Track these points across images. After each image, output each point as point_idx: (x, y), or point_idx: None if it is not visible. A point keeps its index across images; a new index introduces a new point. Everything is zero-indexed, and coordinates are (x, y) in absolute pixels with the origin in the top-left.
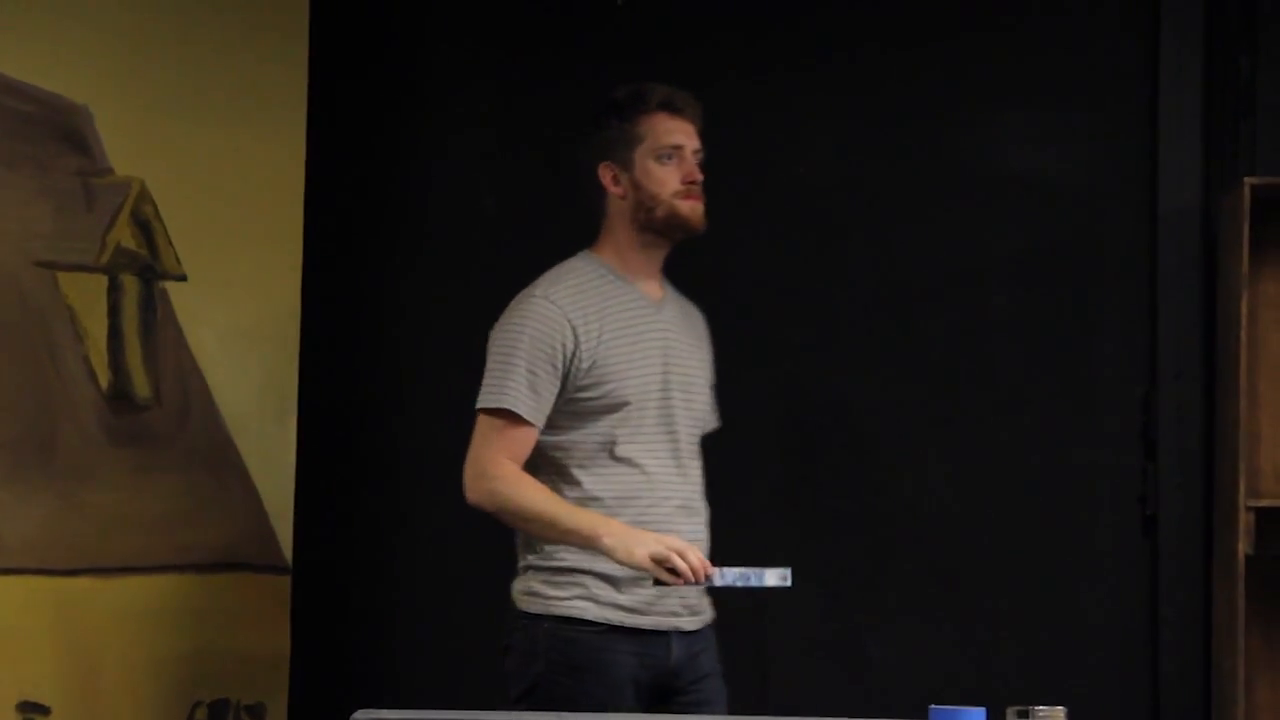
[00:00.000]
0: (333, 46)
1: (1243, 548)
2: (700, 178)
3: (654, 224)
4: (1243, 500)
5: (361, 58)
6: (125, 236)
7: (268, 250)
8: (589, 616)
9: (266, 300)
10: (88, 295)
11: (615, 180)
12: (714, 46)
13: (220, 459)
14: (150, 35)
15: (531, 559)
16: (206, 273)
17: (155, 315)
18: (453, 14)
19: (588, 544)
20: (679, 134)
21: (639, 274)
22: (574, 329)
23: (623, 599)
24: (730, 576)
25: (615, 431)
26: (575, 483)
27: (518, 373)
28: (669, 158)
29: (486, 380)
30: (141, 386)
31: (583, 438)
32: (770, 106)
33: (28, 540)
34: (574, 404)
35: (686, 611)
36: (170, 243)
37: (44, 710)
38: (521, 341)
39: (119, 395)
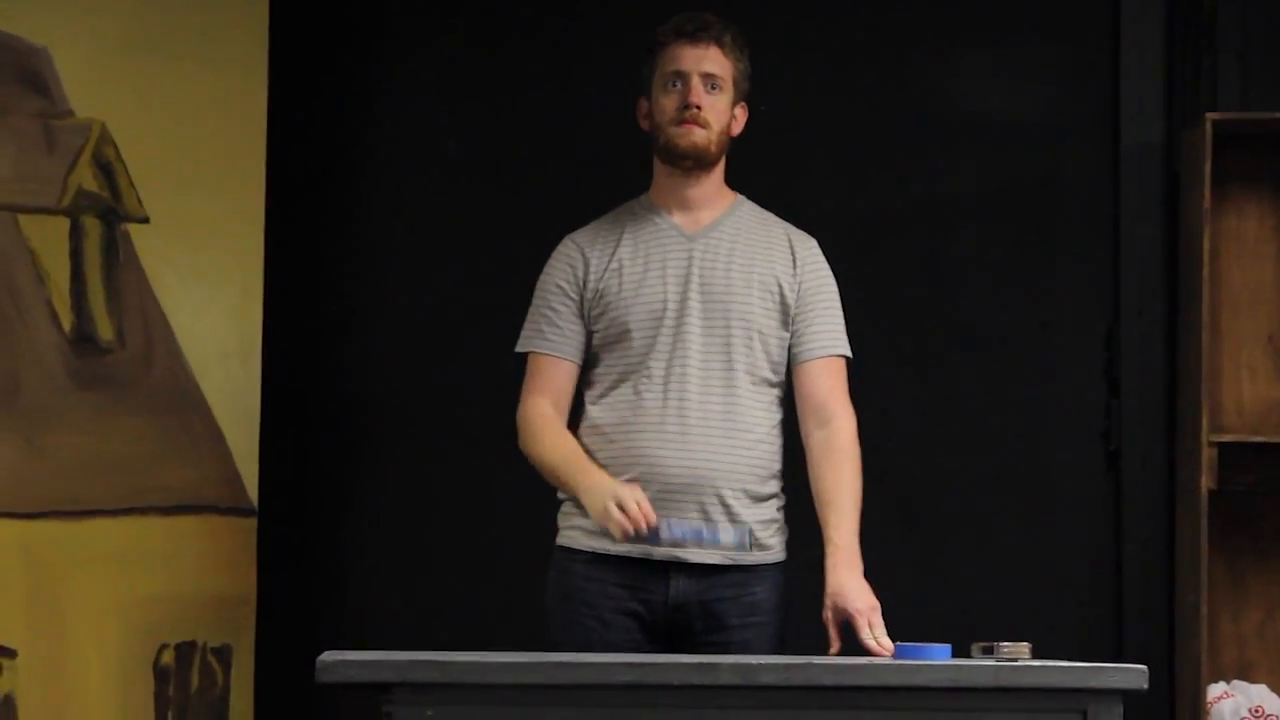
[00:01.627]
0: None
1: (1205, 482)
2: (695, 101)
3: (665, 153)
4: (1205, 435)
5: None
6: (86, 179)
7: (230, 192)
8: (578, 545)
9: (229, 242)
10: (49, 238)
11: (645, 115)
12: None
13: (184, 401)
14: None
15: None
16: (169, 215)
17: (118, 258)
18: None
19: (574, 496)
20: (686, 60)
21: (674, 205)
22: (585, 259)
23: None
24: (680, 531)
25: (624, 360)
26: (586, 416)
27: (537, 312)
28: (673, 85)
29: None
30: (105, 329)
31: (603, 370)
32: None
33: None
34: (594, 337)
35: (699, 510)
36: (132, 185)
37: (10, 654)
38: (544, 282)
39: (82, 338)
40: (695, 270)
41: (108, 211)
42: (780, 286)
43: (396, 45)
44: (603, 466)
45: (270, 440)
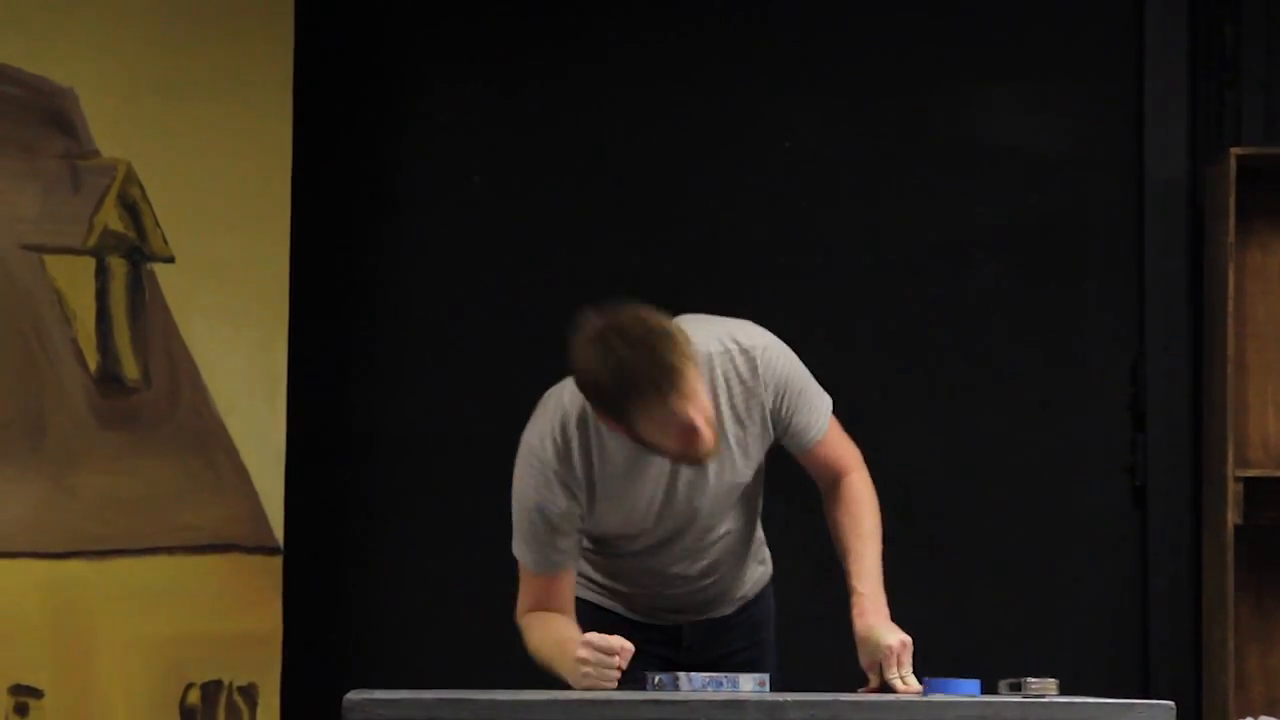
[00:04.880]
0: (319, 25)
1: (1231, 518)
2: (692, 428)
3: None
4: (1231, 470)
5: (348, 37)
6: (112, 219)
7: (256, 231)
8: (588, 598)
9: (255, 281)
10: (75, 278)
11: (613, 426)
12: (700, 22)
13: (210, 440)
14: (135, 17)
15: None
16: (194, 254)
17: (143, 297)
18: None
19: (563, 678)
20: (667, 404)
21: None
22: (567, 490)
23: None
24: (700, 682)
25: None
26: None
27: (521, 529)
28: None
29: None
30: (130, 368)
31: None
32: (755, 81)
33: (19, 523)
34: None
35: (694, 611)
36: (158, 224)
37: (37, 693)
38: (523, 499)
39: (108, 378)
40: (655, 480)
41: (133, 251)
42: (745, 439)
43: (420, 84)
44: None
45: (295, 478)
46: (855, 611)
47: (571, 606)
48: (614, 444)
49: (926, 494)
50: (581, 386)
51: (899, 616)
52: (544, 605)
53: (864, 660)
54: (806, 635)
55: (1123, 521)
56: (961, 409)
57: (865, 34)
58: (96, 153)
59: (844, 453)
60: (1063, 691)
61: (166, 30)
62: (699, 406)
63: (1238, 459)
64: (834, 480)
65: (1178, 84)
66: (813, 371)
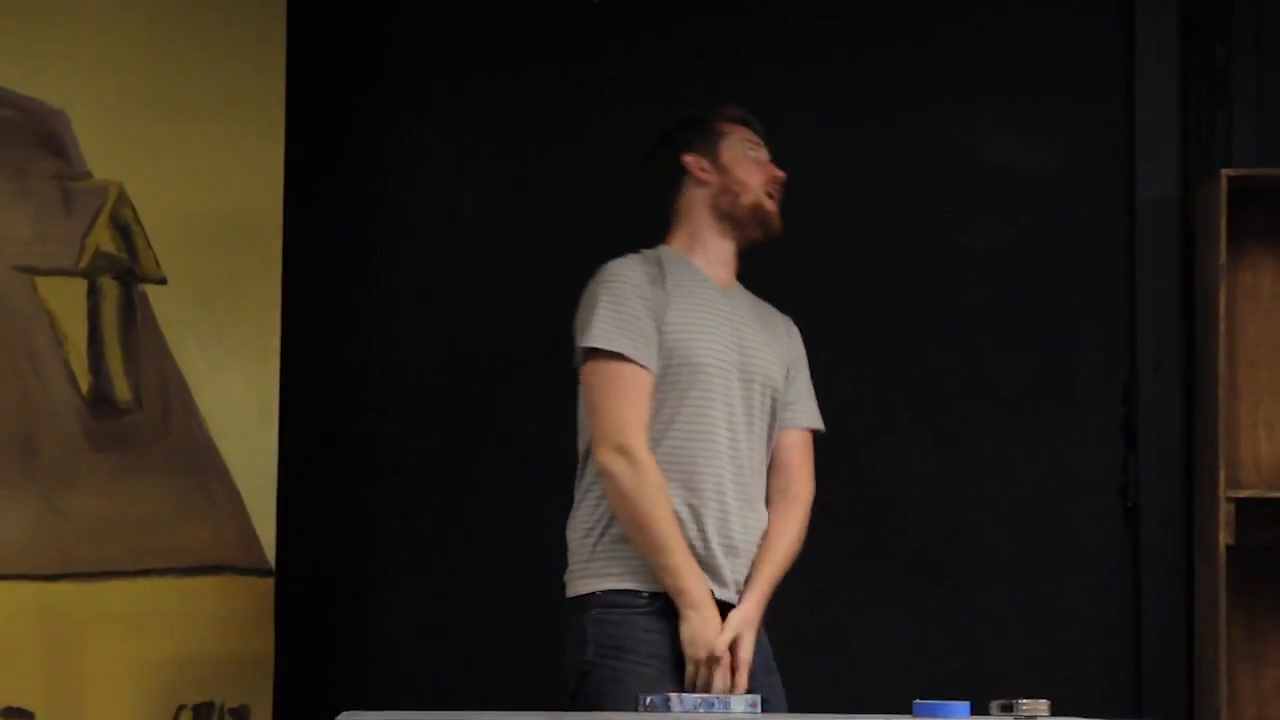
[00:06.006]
0: (310, 47)
1: (1223, 538)
2: (782, 178)
3: (737, 212)
4: (1223, 491)
5: (339, 58)
6: (104, 240)
7: (248, 253)
8: (639, 587)
9: (247, 302)
10: (67, 299)
11: (702, 167)
12: (691, 42)
13: (202, 461)
14: (127, 38)
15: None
16: (186, 276)
17: (135, 319)
18: (431, 13)
19: (672, 593)
20: (760, 146)
21: (712, 262)
22: (661, 279)
23: None
24: (691, 703)
25: (678, 402)
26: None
27: (621, 313)
28: (755, 156)
29: (594, 321)
30: (122, 390)
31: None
32: (747, 100)
33: (10, 545)
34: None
35: (744, 560)
36: (149, 246)
37: (28, 715)
38: (620, 287)
39: (100, 399)
40: (736, 325)
41: (125, 273)
42: (782, 355)
43: (413, 105)
44: None
45: (287, 500)
46: (726, 618)
47: None
48: (689, 279)
49: (917, 514)
50: (683, 126)
51: (892, 635)
52: (644, 416)
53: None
54: (798, 657)
55: (1114, 542)
56: (953, 429)
57: (857, 54)
58: (88, 174)
59: (809, 469)
60: (1055, 712)
61: (158, 52)
62: None
63: (1229, 479)
64: (783, 489)
65: (1169, 105)
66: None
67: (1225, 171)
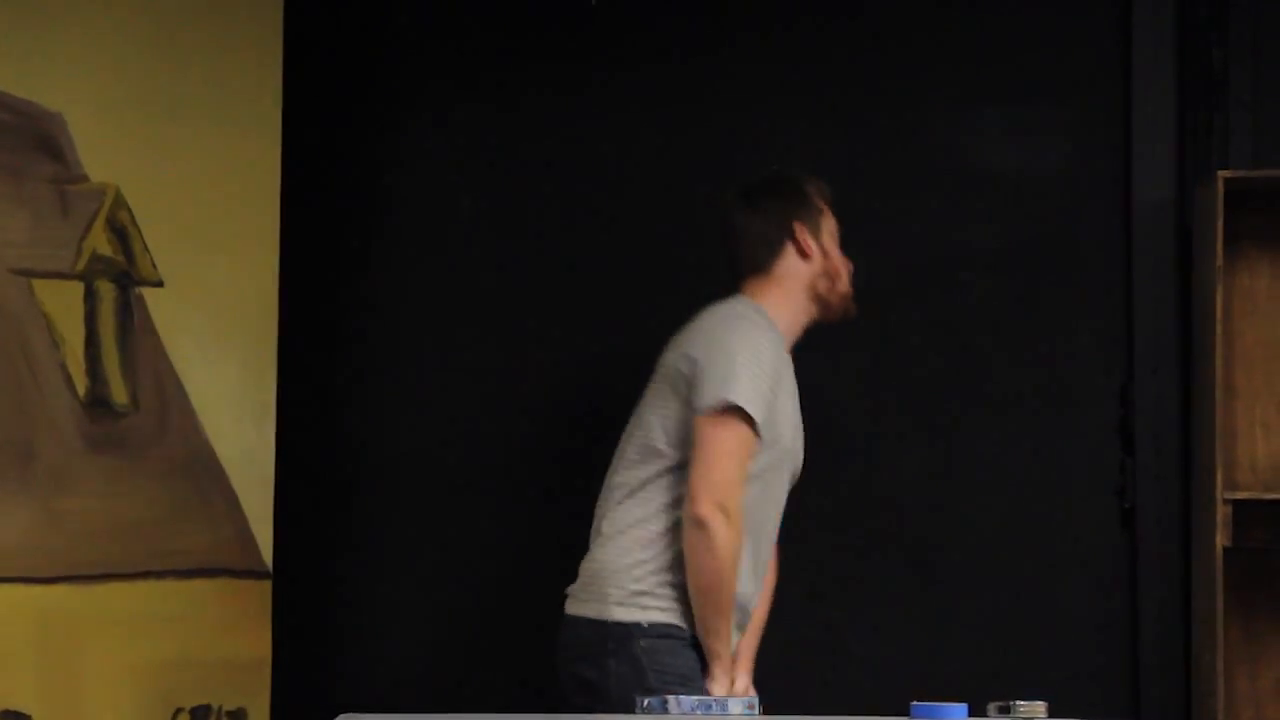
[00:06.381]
0: (307, 49)
1: (1220, 540)
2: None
3: (831, 297)
4: (1220, 493)
5: (336, 59)
6: (101, 243)
7: (244, 255)
8: (686, 624)
9: (244, 305)
10: (64, 302)
11: (811, 251)
12: (689, 44)
13: (199, 464)
14: (123, 41)
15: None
16: (183, 278)
17: (132, 321)
18: (429, 15)
19: (709, 652)
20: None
21: (791, 334)
22: (776, 351)
23: None
24: (689, 704)
25: (765, 471)
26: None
27: (761, 377)
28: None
29: (740, 378)
30: (119, 393)
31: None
32: (744, 103)
33: (6, 548)
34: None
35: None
36: (146, 248)
37: (25, 718)
38: (764, 352)
39: (97, 402)
40: (795, 406)
41: (122, 275)
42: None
43: (410, 107)
44: None
45: (285, 503)
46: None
47: None
48: (786, 358)
49: (914, 516)
50: (790, 192)
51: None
52: (745, 481)
53: None
54: (796, 659)
55: (1111, 544)
56: (950, 431)
57: (855, 56)
58: (85, 177)
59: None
60: (1052, 714)
61: (154, 54)
62: None
63: (1226, 481)
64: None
65: (1166, 107)
66: (800, 391)
67: (1222, 173)
